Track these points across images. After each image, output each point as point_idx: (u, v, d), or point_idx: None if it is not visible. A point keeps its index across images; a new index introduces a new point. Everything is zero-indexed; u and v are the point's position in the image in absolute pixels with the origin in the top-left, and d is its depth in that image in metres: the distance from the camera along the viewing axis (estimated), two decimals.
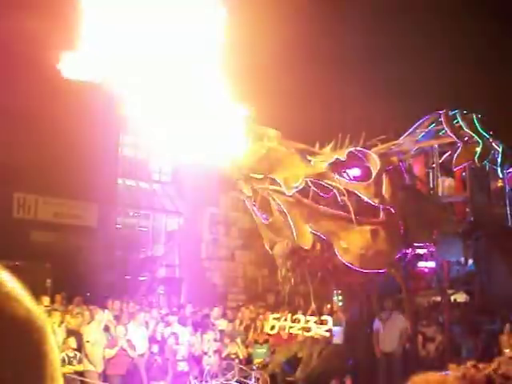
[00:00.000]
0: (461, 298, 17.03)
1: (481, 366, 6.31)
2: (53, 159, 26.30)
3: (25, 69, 24.22)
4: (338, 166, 12.28)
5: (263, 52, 23.51)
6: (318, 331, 13.81)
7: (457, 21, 25.36)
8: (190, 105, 10.10)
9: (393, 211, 12.67)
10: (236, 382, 13.04)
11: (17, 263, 18.75)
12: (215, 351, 14.78)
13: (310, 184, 11.94)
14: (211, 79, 9.88)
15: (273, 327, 14.88)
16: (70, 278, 20.02)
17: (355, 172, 12.53)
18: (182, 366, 13.99)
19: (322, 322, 13.92)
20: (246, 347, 15.60)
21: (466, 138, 15.30)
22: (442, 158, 15.86)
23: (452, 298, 15.94)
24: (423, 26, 27.26)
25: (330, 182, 12.13)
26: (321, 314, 14.15)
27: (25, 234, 25.53)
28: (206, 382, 13.13)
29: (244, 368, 13.28)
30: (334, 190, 12.18)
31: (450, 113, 15.68)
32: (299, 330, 14.07)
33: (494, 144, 15.67)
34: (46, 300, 16.17)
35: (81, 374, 12.70)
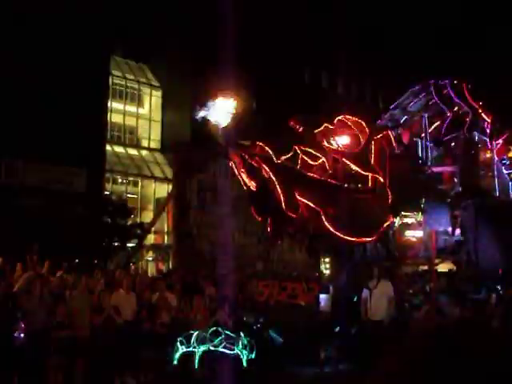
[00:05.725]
0: (442, 268, 17.09)
1: None
2: (41, 125, 26.12)
3: None
4: (327, 134, 12.25)
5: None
6: (305, 298, 13.87)
7: None
8: None
9: (381, 180, 12.66)
10: (223, 348, 13.11)
11: None
12: (203, 317, 14.82)
13: (298, 151, 11.91)
14: None
15: (261, 294, 14.93)
16: (58, 244, 19.97)
17: (344, 140, 12.49)
18: (170, 332, 14.03)
19: (309, 289, 13.97)
20: (234, 314, 15.65)
21: (455, 108, 15.28)
22: (432, 128, 15.85)
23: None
24: None
25: (318, 150, 12.11)
26: (308, 282, 14.20)
27: (12, 200, 25.41)
28: (194, 347, 13.20)
29: (231, 334, 13.34)
30: (323, 158, 12.15)
31: (440, 82, 15.62)
32: (287, 296, 14.13)
33: (483, 114, 15.63)
34: (34, 266, 16.15)
35: (68, 339, 12.71)
